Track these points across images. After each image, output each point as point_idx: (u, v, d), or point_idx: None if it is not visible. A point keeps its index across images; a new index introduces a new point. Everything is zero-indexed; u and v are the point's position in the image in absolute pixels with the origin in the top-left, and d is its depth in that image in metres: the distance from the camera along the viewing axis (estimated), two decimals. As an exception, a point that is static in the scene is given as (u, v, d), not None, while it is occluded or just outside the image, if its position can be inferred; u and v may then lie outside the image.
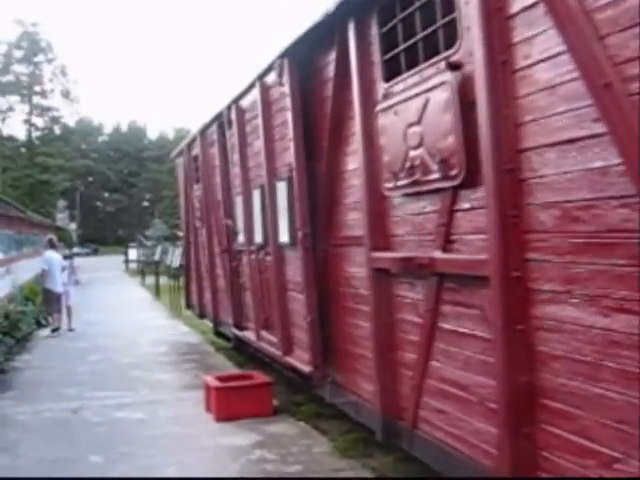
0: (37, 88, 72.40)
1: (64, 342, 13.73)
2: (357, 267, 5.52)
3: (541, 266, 3.38)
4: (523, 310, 3.50)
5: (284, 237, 6.79)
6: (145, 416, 7.81)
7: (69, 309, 15.57)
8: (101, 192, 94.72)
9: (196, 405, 8.07)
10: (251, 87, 7.51)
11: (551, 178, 3.28)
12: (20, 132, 74.96)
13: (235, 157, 8.63)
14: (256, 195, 7.78)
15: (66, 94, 74.06)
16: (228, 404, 7.44)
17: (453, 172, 3.93)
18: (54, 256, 15.17)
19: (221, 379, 8.14)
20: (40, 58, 71.42)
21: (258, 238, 7.87)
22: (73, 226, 70.77)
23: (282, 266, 7.09)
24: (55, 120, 74.49)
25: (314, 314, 6.20)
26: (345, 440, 6.44)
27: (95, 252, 75.12)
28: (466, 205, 3.98)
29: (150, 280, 27.66)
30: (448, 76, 3.92)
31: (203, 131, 10.73)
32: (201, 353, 12.15)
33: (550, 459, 3.38)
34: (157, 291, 23.76)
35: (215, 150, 10.07)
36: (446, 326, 4.28)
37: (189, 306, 14.26)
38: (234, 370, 10.39)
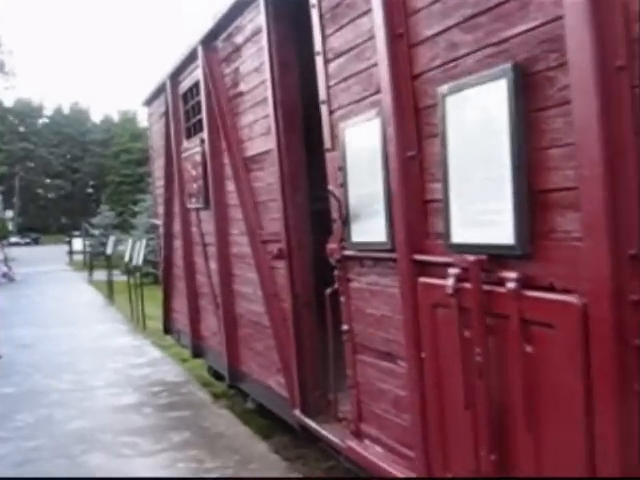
0: (-34, 59, 65.51)
1: (-22, 383, 9.32)
2: None
3: None
4: None
5: None
6: None
7: (-8, 327, 11.11)
8: (42, 178, 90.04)
9: None
10: None
11: None
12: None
13: (345, 38, 3.78)
14: (467, 101, 2.82)
15: (0, 66, 67.36)
16: None
17: None
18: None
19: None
20: (-31, 26, 64.90)
21: (466, 235, 2.86)
22: (10, 214, 65.90)
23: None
24: (-13, 95, 67.89)
25: None
26: None
27: (36, 241, 71.45)
28: None
29: (99, 275, 23.26)
30: None
31: (212, 35, 5.98)
32: (192, 406, 7.76)
33: None
34: (110, 293, 19.19)
35: (249, 57, 5.30)
36: None
37: (168, 331, 9.59)
38: (261, 446, 6.15)
